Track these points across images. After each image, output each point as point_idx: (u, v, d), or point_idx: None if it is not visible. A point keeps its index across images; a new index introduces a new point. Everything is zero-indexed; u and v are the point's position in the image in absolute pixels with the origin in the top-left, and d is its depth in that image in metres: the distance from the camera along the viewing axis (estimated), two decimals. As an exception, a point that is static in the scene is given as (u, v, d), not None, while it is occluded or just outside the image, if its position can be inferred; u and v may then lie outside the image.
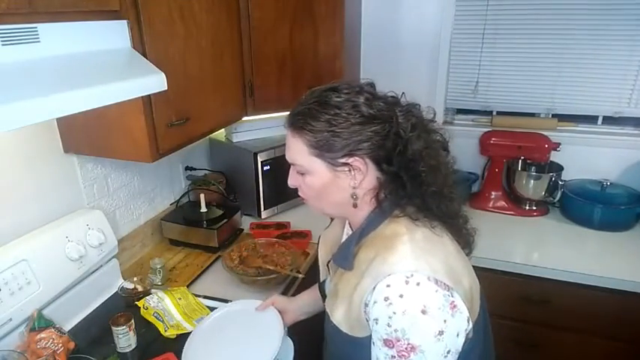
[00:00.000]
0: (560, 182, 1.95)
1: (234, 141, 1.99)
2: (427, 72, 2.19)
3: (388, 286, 0.75)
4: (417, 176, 0.81)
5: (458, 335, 0.76)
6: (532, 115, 2.15)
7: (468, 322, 0.78)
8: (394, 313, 0.74)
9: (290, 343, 1.27)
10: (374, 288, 0.77)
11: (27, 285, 1.14)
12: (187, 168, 1.96)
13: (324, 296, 1.04)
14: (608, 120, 2.06)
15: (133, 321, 1.19)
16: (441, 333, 0.74)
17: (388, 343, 0.75)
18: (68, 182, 1.39)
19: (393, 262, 0.77)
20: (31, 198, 1.27)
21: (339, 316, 0.85)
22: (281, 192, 1.99)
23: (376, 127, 0.80)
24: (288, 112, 0.88)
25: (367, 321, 0.79)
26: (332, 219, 1.13)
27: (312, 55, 1.80)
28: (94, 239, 1.33)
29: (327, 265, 0.99)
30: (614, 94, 1.98)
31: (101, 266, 1.40)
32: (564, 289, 1.64)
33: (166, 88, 1.07)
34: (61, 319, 1.23)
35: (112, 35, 1.05)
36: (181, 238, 1.75)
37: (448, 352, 0.75)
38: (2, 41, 0.80)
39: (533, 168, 2.08)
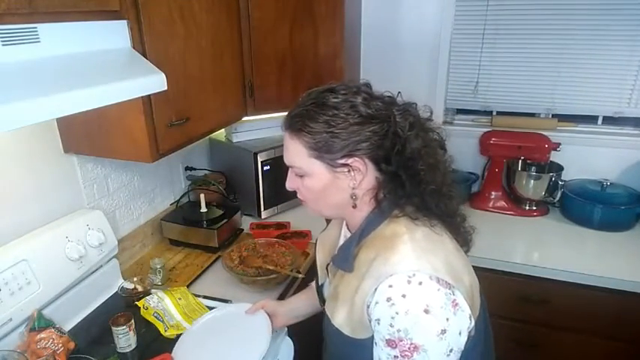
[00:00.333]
0: (560, 182, 1.95)
1: (234, 141, 1.99)
2: (427, 72, 2.19)
3: (390, 286, 0.75)
4: (416, 175, 0.81)
5: (460, 333, 0.77)
6: (532, 115, 2.15)
7: (470, 319, 0.78)
8: (397, 313, 0.74)
9: (290, 343, 1.27)
10: (376, 289, 0.77)
11: (27, 285, 1.14)
12: (187, 168, 1.96)
13: (322, 299, 1.03)
14: (608, 120, 2.06)
15: (133, 321, 1.19)
16: (443, 332, 0.74)
17: (391, 343, 0.75)
18: (68, 182, 1.39)
19: (394, 263, 0.77)
20: (31, 198, 1.27)
21: (340, 319, 0.84)
22: (281, 192, 1.98)
23: (374, 126, 0.80)
24: (287, 112, 0.88)
25: (369, 322, 0.79)
26: (327, 222, 1.13)
27: (312, 55, 1.80)
28: (94, 239, 1.33)
29: (326, 268, 0.99)
30: (614, 94, 1.98)
31: (101, 266, 1.40)
32: (564, 289, 1.64)
33: (166, 88, 1.07)
34: (61, 319, 1.23)
35: (112, 35, 1.05)
36: (181, 238, 1.75)
37: (451, 350, 0.75)
38: (2, 41, 0.80)
39: (533, 168, 2.08)
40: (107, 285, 1.42)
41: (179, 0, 1.25)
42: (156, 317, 1.29)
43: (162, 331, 1.25)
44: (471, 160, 2.19)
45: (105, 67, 0.99)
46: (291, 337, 1.28)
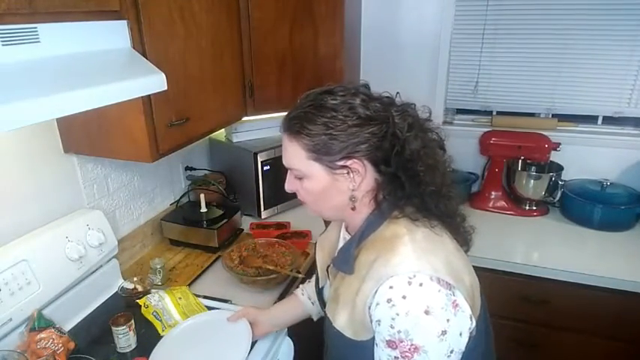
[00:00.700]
0: (560, 182, 1.95)
1: (234, 141, 1.99)
2: (427, 72, 2.19)
3: (391, 287, 0.75)
4: (416, 176, 0.81)
5: (461, 334, 0.76)
6: (532, 115, 2.16)
7: (471, 320, 0.78)
8: (397, 314, 0.73)
9: (290, 343, 1.27)
10: (376, 291, 0.76)
11: (27, 285, 1.14)
12: (187, 168, 1.96)
13: (323, 302, 1.03)
14: (608, 120, 2.06)
15: (132, 321, 1.19)
16: (444, 333, 0.74)
17: (391, 344, 0.75)
18: (68, 182, 1.39)
19: (395, 264, 0.77)
20: (31, 198, 1.27)
21: (342, 322, 0.84)
22: (281, 192, 1.96)
23: (373, 128, 0.80)
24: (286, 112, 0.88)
25: (371, 323, 0.79)
26: (326, 224, 1.13)
27: (312, 55, 1.80)
28: (94, 239, 1.33)
29: (327, 270, 0.99)
30: (614, 94, 1.98)
31: (101, 266, 1.40)
32: (564, 289, 1.64)
33: (166, 88, 1.07)
34: (61, 319, 1.23)
35: (112, 35, 1.05)
36: (181, 238, 1.75)
37: (451, 351, 0.75)
38: (2, 41, 0.80)
39: (533, 168, 2.08)
40: (107, 285, 1.42)
41: (179, 0, 1.25)
42: (155, 316, 1.29)
43: (159, 331, 1.25)
44: (471, 160, 2.19)
45: (105, 67, 0.99)
46: (291, 337, 1.28)
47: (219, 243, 1.69)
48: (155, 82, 1.05)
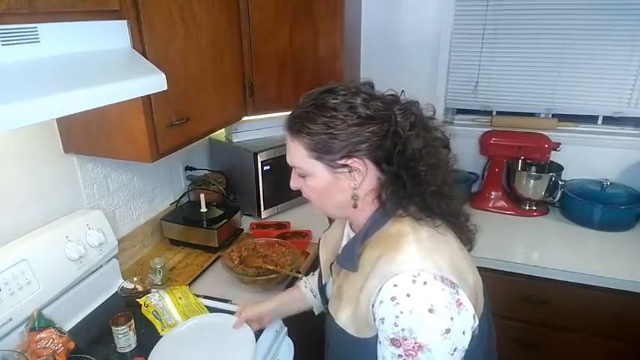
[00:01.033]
0: (560, 182, 1.95)
1: (234, 141, 1.99)
2: (427, 72, 2.19)
3: (395, 285, 0.75)
4: (417, 175, 0.81)
5: (464, 333, 0.77)
6: (532, 115, 2.15)
7: (474, 318, 0.79)
8: (401, 312, 0.74)
9: (290, 343, 1.27)
10: (380, 288, 0.77)
11: (27, 285, 1.14)
12: (187, 168, 1.96)
13: (325, 299, 1.03)
14: (608, 120, 2.06)
15: (132, 321, 1.19)
16: (447, 331, 0.74)
17: (395, 342, 0.76)
18: (68, 182, 1.39)
19: (399, 262, 0.77)
20: (31, 198, 1.27)
21: (344, 319, 0.85)
22: (281, 192, 1.99)
23: (374, 127, 0.80)
24: (287, 113, 0.88)
25: (374, 321, 0.80)
26: (330, 221, 1.13)
27: (312, 55, 1.80)
28: (94, 239, 1.33)
29: (330, 267, 0.99)
30: (614, 94, 1.98)
31: (101, 266, 1.40)
32: (564, 289, 1.64)
33: (166, 88, 1.07)
34: (61, 319, 1.23)
35: (112, 35, 1.05)
36: (181, 238, 1.75)
37: (455, 349, 0.76)
38: (2, 41, 0.80)
39: (533, 168, 2.08)
40: (107, 285, 1.42)
41: (179, 0, 1.25)
42: (154, 315, 1.29)
43: (159, 330, 1.25)
44: (471, 160, 2.19)
45: (105, 67, 0.99)
46: (291, 337, 1.28)
47: (219, 243, 1.69)
48: (155, 82, 1.05)
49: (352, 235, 0.94)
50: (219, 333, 1.18)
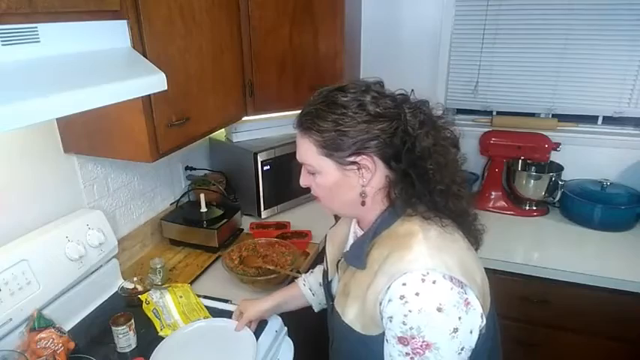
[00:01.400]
0: (560, 182, 1.95)
1: (234, 141, 1.99)
2: (427, 72, 2.19)
3: (404, 284, 0.76)
4: (425, 174, 0.81)
5: (472, 332, 0.77)
6: (532, 115, 2.15)
7: (482, 318, 0.79)
8: (410, 311, 0.74)
9: (290, 343, 1.27)
10: (389, 287, 0.77)
11: (27, 285, 1.14)
12: (187, 168, 1.96)
13: (330, 296, 1.03)
14: (608, 120, 2.06)
15: (133, 321, 1.19)
16: (455, 330, 0.74)
17: (403, 340, 0.76)
18: (68, 182, 1.39)
19: (409, 261, 0.77)
20: (31, 198, 1.27)
21: (351, 316, 0.85)
22: (281, 192, 1.99)
23: (383, 125, 0.80)
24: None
25: (381, 319, 0.80)
26: (336, 218, 1.13)
27: (312, 54, 1.80)
28: (94, 239, 1.33)
29: (337, 265, 0.99)
30: (614, 94, 1.98)
31: (101, 266, 1.40)
32: (564, 289, 1.64)
33: (166, 88, 1.07)
34: (61, 319, 1.23)
35: (112, 35, 1.05)
36: (181, 238, 1.75)
37: (462, 349, 0.76)
38: (2, 41, 0.80)
39: (533, 168, 2.08)
40: (107, 285, 1.42)
41: (179, 0, 1.25)
42: (154, 314, 1.29)
43: (158, 329, 1.25)
44: (471, 160, 2.19)
45: (105, 67, 0.99)
46: (291, 337, 1.28)
47: (219, 243, 1.69)
48: (155, 82, 1.05)
49: (360, 232, 0.95)
50: (220, 336, 1.18)
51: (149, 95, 1.17)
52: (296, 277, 1.47)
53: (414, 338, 0.75)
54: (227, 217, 1.76)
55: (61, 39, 0.90)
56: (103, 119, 1.23)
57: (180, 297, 1.36)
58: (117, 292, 1.40)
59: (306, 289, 1.22)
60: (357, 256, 0.86)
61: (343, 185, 0.85)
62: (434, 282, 0.75)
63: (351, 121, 0.80)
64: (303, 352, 1.30)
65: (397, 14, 2.16)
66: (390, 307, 0.77)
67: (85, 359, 1.14)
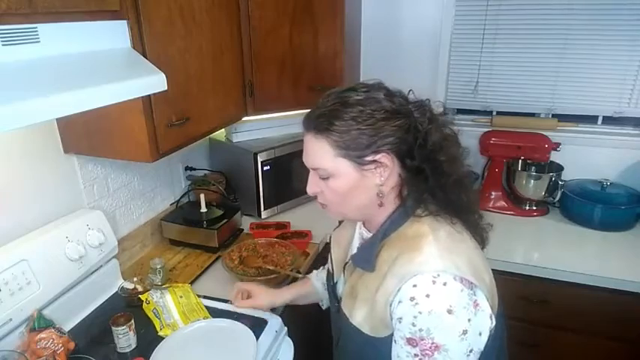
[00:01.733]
0: (560, 182, 1.95)
1: (234, 141, 1.99)
2: (427, 72, 2.19)
3: (415, 285, 0.76)
4: (439, 167, 0.82)
5: (480, 334, 0.78)
6: (532, 115, 2.15)
7: (491, 319, 0.79)
8: (420, 312, 0.74)
9: (290, 343, 1.27)
10: (399, 289, 0.77)
11: (27, 285, 1.14)
12: (187, 168, 1.96)
13: (335, 297, 1.03)
14: (608, 120, 2.06)
15: (133, 321, 1.19)
16: (464, 332, 0.74)
17: (411, 341, 0.76)
18: (68, 182, 1.39)
19: (419, 262, 0.77)
20: (31, 198, 1.27)
21: (360, 318, 0.85)
22: (281, 192, 1.99)
23: (399, 121, 0.80)
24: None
25: (391, 320, 0.80)
26: (339, 220, 1.13)
27: (312, 54, 1.80)
28: (94, 239, 1.33)
29: (344, 267, 0.99)
30: (614, 94, 1.98)
31: (101, 266, 1.40)
32: (564, 289, 1.64)
33: (166, 89, 1.07)
34: (61, 319, 1.23)
35: (112, 35, 1.05)
36: (181, 238, 1.74)
37: (471, 351, 0.76)
38: (2, 41, 0.80)
39: (533, 168, 2.08)
40: (107, 285, 1.42)
41: (179, 0, 1.25)
42: (154, 314, 1.29)
43: (157, 329, 1.25)
44: (471, 160, 2.17)
45: (105, 67, 0.99)
46: (291, 337, 1.28)
47: (219, 243, 1.69)
48: (155, 82, 1.05)
49: (366, 234, 0.94)
50: (220, 336, 1.17)
51: (149, 95, 1.17)
52: (296, 278, 1.47)
53: (423, 340, 0.75)
54: (227, 218, 1.76)
55: (61, 39, 0.90)
56: (103, 119, 1.23)
57: (181, 297, 1.36)
58: (117, 292, 1.40)
59: (319, 284, 1.22)
60: (366, 258, 0.86)
61: (360, 187, 0.83)
62: (444, 284, 0.75)
63: (370, 119, 0.79)
64: (303, 352, 1.30)
65: (397, 14, 2.16)
66: (400, 309, 0.77)
67: (85, 359, 1.14)
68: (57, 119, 1.30)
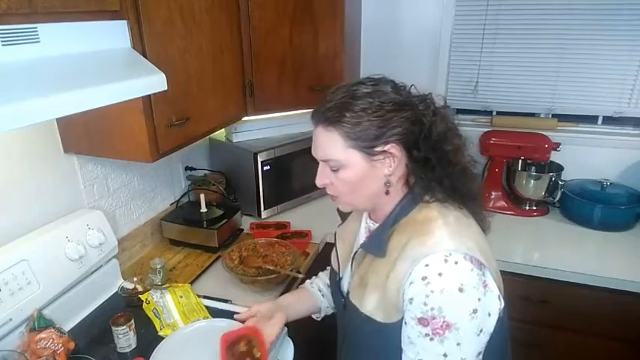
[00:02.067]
0: (560, 182, 1.95)
1: (234, 141, 1.99)
2: (427, 72, 2.19)
3: (427, 265, 0.77)
4: (445, 156, 0.84)
5: (490, 315, 0.79)
6: (532, 115, 2.15)
7: (500, 299, 0.81)
8: (432, 291, 0.75)
9: (290, 343, 1.27)
10: (411, 271, 0.78)
11: (27, 285, 1.14)
12: (187, 168, 1.96)
13: (341, 294, 1.03)
14: (608, 120, 2.06)
15: (133, 321, 1.19)
16: (475, 311, 0.76)
17: (423, 321, 0.77)
18: (68, 182, 1.39)
19: (431, 244, 0.79)
20: (31, 198, 1.27)
21: (370, 306, 0.86)
22: (281, 192, 1.99)
23: (406, 113, 0.83)
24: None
25: (403, 302, 0.81)
26: (342, 217, 1.12)
27: (312, 54, 1.80)
28: (94, 239, 1.33)
29: (352, 259, 0.99)
30: (614, 94, 1.98)
31: (101, 266, 1.40)
32: (564, 289, 1.64)
33: (166, 88, 1.07)
34: (61, 319, 1.23)
35: (112, 35, 1.05)
36: (181, 238, 1.75)
37: (481, 331, 0.78)
38: (2, 41, 0.80)
39: (533, 168, 2.08)
40: (107, 285, 1.42)
41: (179, 0, 1.25)
42: (154, 313, 1.29)
43: (157, 329, 1.25)
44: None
45: (105, 67, 0.99)
46: (291, 337, 1.28)
47: (219, 243, 1.69)
48: (155, 82, 1.05)
49: (373, 225, 0.96)
50: (220, 336, 1.17)
51: (149, 95, 1.17)
52: (296, 278, 1.47)
53: (434, 319, 0.76)
54: (227, 217, 1.76)
55: (61, 39, 0.90)
56: (103, 119, 1.23)
57: (181, 297, 1.36)
58: (117, 292, 1.40)
59: (315, 290, 1.20)
60: (377, 244, 0.87)
61: (370, 177, 0.85)
62: (456, 262, 0.76)
63: (379, 110, 0.81)
64: (303, 352, 1.30)
65: (397, 14, 2.16)
66: (412, 289, 0.78)
67: (85, 359, 1.14)
68: (57, 119, 1.30)
